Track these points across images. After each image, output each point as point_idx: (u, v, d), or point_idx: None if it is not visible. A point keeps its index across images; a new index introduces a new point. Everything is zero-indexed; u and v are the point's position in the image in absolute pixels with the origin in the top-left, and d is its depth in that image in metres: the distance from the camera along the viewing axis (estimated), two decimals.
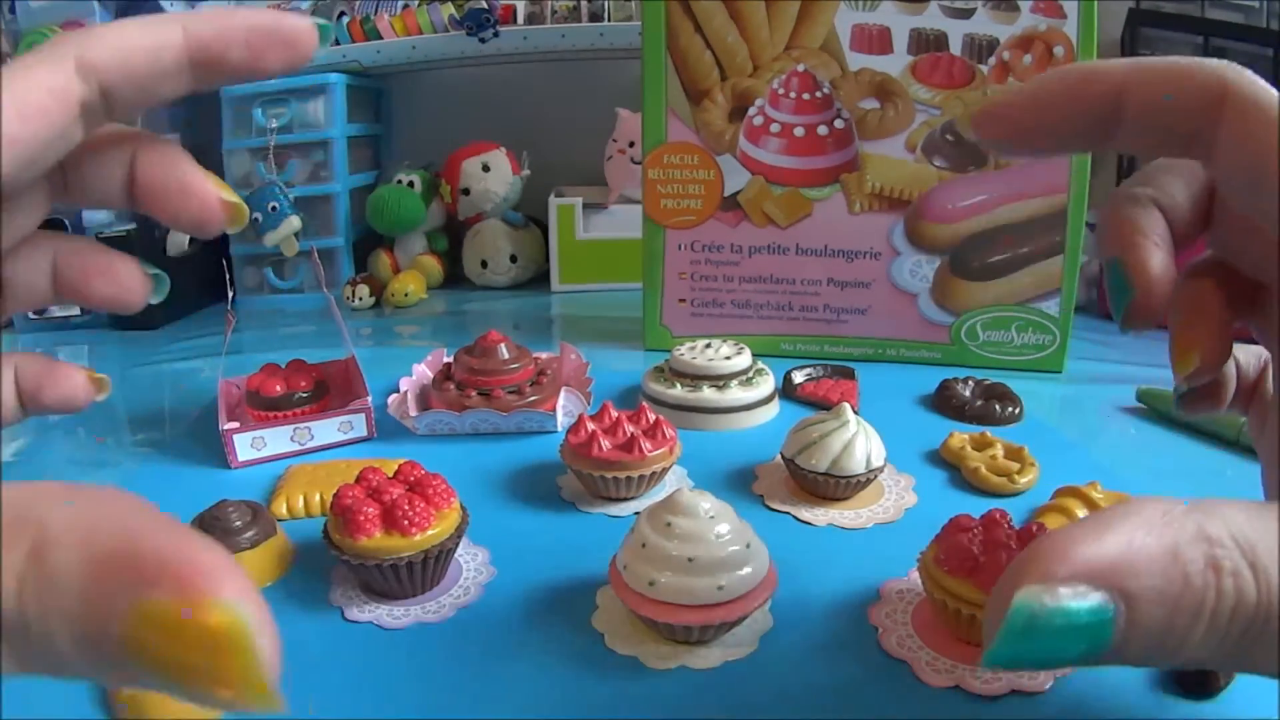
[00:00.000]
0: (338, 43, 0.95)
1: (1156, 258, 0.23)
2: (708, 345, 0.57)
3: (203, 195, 0.23)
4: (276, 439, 0.50)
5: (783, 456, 0.45)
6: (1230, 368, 0.26)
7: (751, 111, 0.64)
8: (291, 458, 0.50)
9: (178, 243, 0.88)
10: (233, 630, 0.15)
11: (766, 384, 0.56)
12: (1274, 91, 0.20)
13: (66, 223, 0.85)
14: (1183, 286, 0.25)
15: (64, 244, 0.24)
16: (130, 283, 0.24)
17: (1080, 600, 0.16)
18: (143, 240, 0.83)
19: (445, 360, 0.59)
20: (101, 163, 0.23)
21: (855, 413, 0.44)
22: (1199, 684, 0.29)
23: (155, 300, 0.25)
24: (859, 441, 0.43)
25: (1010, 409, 0.55)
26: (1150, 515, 0.17)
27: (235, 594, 0.15)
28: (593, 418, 0.45)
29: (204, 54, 0.21)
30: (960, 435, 0.49)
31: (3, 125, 0.18)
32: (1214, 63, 0.21)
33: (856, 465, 0.42)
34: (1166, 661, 0.17)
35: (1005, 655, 0.16)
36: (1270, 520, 0.17)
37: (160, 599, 0.14)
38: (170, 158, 0.23)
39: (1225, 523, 0.17)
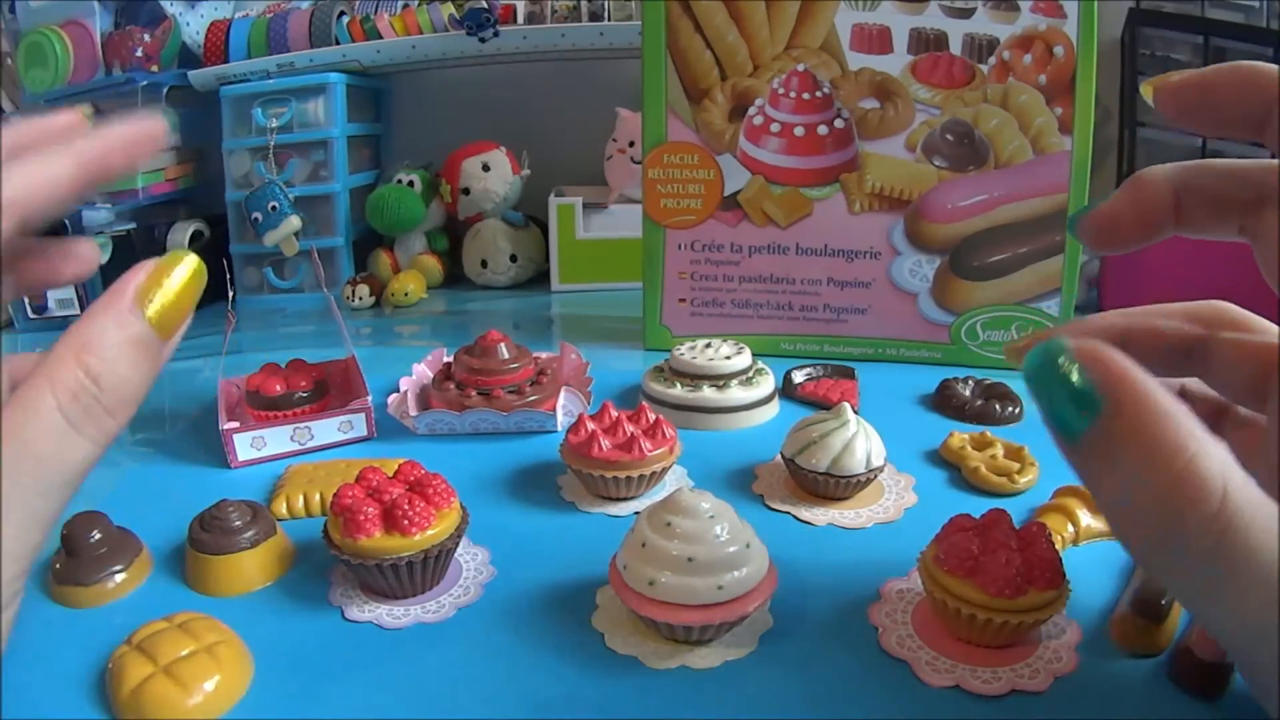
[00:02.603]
0: (338, 41, 0.95)
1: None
2: (708, 345, 0.57)
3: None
4: (276, 439, 0.50)
5: (783, 456, 0.45)
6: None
7: (751, 111, 0.64)
8: (291, 457, 0.50)
9: (176, 243, 0.88)
10: (191, 259, 0.24)
11: (766, 384, 0.56)
12: None
13: (67, 223, 0.85)
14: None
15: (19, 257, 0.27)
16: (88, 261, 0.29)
17: (1086, 374, 0.20)
18: (142, 240, 0.83)
19: (445, 360, 0.59)
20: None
21: (855, 412, 0.44)
22: (1201, 685, 0.29)
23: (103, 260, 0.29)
24: (859, 441, 0.43)
25: (1010, 409, 0.55)
26: (1180, 408, 0.19)
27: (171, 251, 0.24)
28: (593, 417, 0.45)
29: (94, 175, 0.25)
30: (960, 435, 0.49)
31: None
32: None
33: (856, 465, 0.42)
34: (1125, 507, 0.20)
35: (1031, 360, 0.21)
36: (1259, 491, 0.19)
37: (154, 299, 0.23)
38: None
39: (1225, 455, 0.19)
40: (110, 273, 0.26)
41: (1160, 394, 0.19)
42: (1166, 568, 0.20)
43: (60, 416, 0.21)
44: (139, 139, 0.26)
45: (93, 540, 0.37)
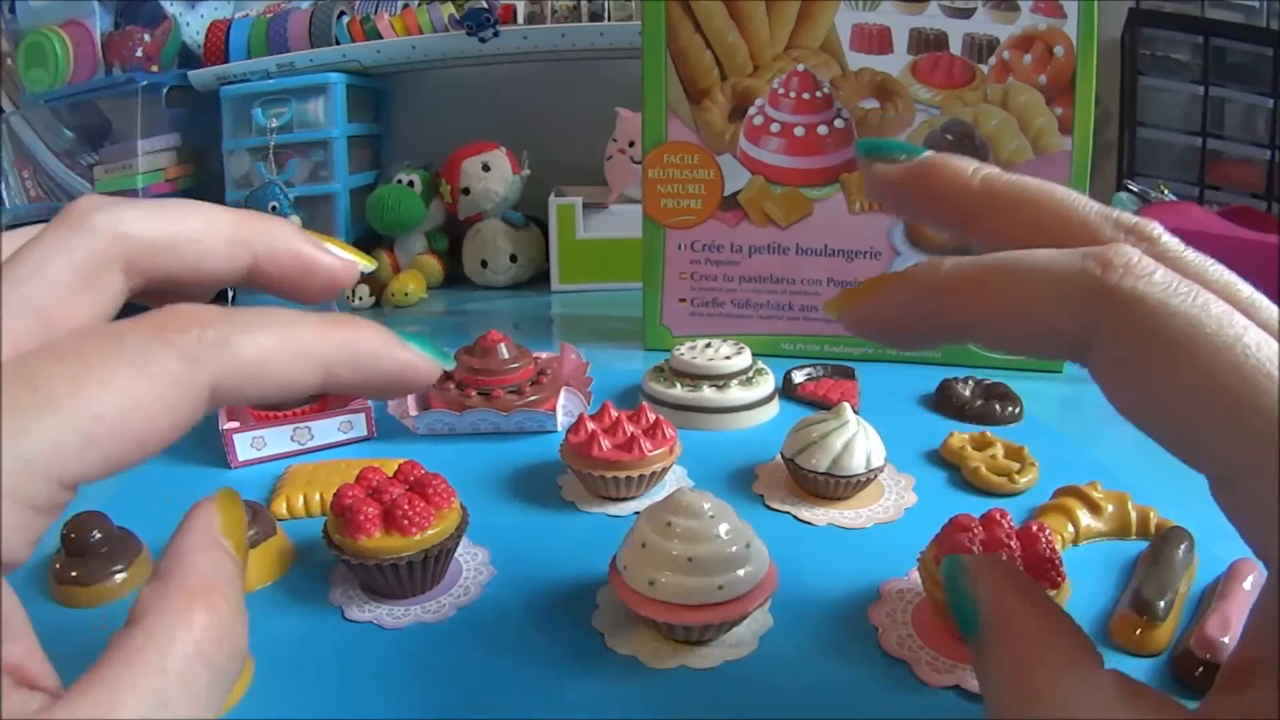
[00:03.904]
0: (338, 41, 0.95)
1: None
2: (708, 345, 0.57)
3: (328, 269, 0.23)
4: (276, 439, 0.50)
5: (783, 456, 0.45)
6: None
7: (751, 111, 0.64)
8: (291, 457, 0.50)
9: None
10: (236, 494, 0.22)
11: (766, 384, 0.56)
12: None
13: None
14: None
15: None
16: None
17: (970, 593, 0.21)
18: None
19: None
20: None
21: (855, 413, 0.44)
22: (1201, 685, 0.29)
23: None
24: (859, 441, 0.43)
25: (1010, 409, 0.55)
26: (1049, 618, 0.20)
27: None
28: (593, 417, 0.45)
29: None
30: (960, 435, 0.49)
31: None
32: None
33: (856, 465, 0.42)
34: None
35: (944, 565, 0.23)
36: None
37: (235, 538, 0.21)
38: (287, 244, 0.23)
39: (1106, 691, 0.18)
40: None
41: (1037, 624, 0.20)
42: None
43: (208, 676, 0.18)
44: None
45: (94, 540, 0.37)
